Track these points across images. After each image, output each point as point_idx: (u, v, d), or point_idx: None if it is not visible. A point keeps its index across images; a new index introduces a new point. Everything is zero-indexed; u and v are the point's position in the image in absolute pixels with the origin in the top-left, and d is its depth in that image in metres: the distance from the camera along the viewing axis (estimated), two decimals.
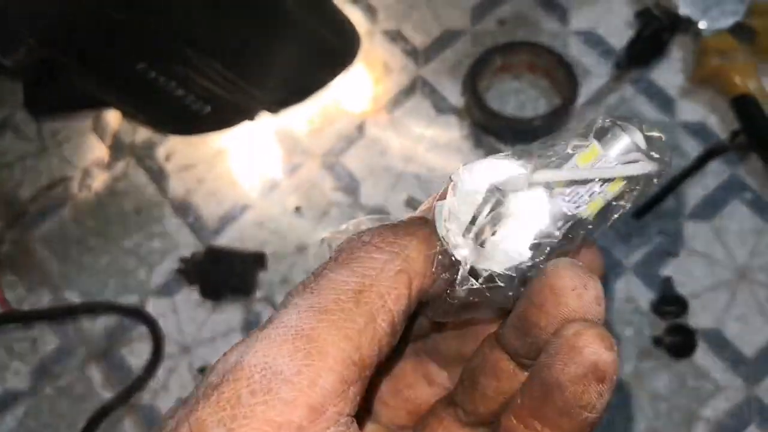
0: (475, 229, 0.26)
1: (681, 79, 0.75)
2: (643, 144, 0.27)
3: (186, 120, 0.71)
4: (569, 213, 0.26)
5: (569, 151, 0.27)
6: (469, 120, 0.75)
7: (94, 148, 0.81)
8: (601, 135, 0.26)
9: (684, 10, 0.75)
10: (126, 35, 0.54)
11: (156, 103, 0.67)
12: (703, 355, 0.64)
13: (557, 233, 0.26)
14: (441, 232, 0.26)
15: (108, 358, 0.73)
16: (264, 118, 0.74)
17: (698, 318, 0.66)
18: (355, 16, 0.82)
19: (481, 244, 0.26)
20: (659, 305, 0.66)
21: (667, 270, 0.67)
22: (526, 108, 0.76)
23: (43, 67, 0.71)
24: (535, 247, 0.26)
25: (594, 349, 0.24)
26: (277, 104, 0.76)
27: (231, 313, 0.72)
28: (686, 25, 0.75)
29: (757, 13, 0.74)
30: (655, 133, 0.27)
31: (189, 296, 0.73)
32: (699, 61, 0.73)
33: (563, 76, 0.74)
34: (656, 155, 0.27)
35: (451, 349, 0.31)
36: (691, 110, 0.74)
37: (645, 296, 0.67)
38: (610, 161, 0.26)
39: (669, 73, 0.76)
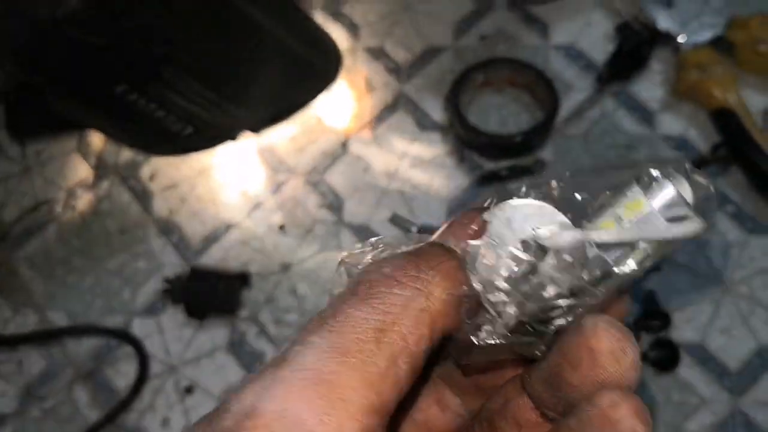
0: (511, 279, 0.25)
1: (662, 93, 0.74)
2: (689, 195, 0.25)
3: (168, 141, 0.70)
4: (612, 270, 0.25)
5: (617, 211, 0.25)
6: (452, 136, 0.74)
7: (78, 169, 0.79)
8: (647, 184, 0.26)
9: (663, 24, 0.75)
10: (104, 58, 0.53)
11: (137, 125, 0.66)
12: (687, 369, 0.63)
13: (598, 292, 0.25)
14: (474, 278, 0.25)
15: (94, 379, 0.71)
16: (246, 137, 0.73)
17: (682, 331, 0.65)
18: (338, 33, 0.81)
19: (517, 296, 0.25)
20: (643, 319, 0.65)
21: (651, 284, 0.66)
22: (508, 123, 0.75)
23: (25, 89, 0.70)
24: (573, 304, 0.25)
25: (630, 425, 0.22)
26: (259, 123, 0.75)
27: (216, 332, 0.71)
28: (666, 38, 0.75)
29: (736, 26, 0.73)
30: (701, 179, 0.26)
31: (174, 316, 0.72)
32: (679, 75, 0.73)
33: (544, 90, 0.73)
34: (701, 206, 0.26)
35: (469, 379, 0.30)
36: (672, 123, 0.73)
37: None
38: (655, 214, 0.25)
39: (650, 86, 0.75)
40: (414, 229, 0.71)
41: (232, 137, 0.72)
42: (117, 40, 0.52)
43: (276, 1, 0.63)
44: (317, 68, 0.75)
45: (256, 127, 0.75)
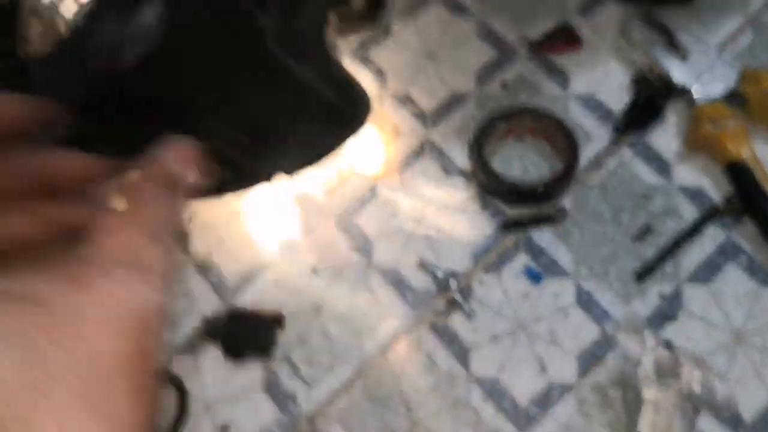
0: None
1: (677, 144, 0.74)
2: None
3: (208, 185, 0.70)
4: None
5: None
6: (476, 182, 0.75)
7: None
8: None
9: (677, 77, 0.75)
10: (151, 107, 0.54)
11: None
12: (702, 418, 0.63)
13: None
14: None
15: None
16: (280, 180, 0.73)
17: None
18: (366, 78, 0.81)
19: None
20: None
21: (667, 333, 0.66)
22: (529, 170, 0.75)
23: (78, 135, 0.70)
24: None
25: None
26: (293, 167, 0.75)
27: (252, 372, 0.71)
28: (680, 91, 0.75)
29: (747, 79, 0.74)
30: None
31: (212, 355, 0.72)
32: (693, 128, 0.73)
33: (564, 140, 0.73)
34: None
35: None
36: (687, 174, 0.73)
37: None
38: None
39: (665, 137, 0.75)
40: (440, 274, 0.71)
41: (268, 180, 0.72)
42: (165, 92, 0.52)
43: (312, 52, 0.63)
44: (348, 114, 0.75)
45: (290, 170, 0.75)
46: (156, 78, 0.48)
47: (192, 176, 0.34)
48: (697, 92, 0.74)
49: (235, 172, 0.69)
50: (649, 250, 0.70)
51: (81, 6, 0.41)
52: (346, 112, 0.74)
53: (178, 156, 0.35)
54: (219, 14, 0.44)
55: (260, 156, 0.67)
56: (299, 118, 0.67)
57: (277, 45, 0.53)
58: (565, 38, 0.81)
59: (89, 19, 0.39)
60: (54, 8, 0.41)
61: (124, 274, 0.27)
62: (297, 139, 0.69)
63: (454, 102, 0.80)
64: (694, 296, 0.68)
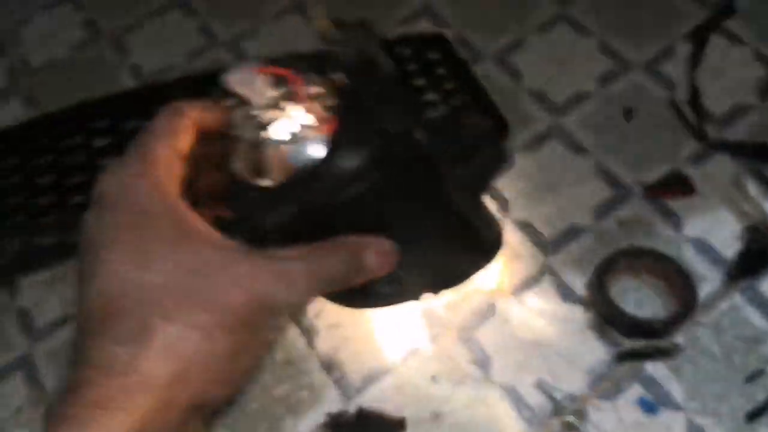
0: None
1: None
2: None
3: (367, 298, 0.75)
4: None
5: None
6: (594, 312, 0.78)
7: None
8: None
9: None
10: (345, 232, 0.59)
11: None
12: None
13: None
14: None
15: None
16: (427, 299, 0.78)
17: None
18: (491, 205, 0.87)
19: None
20: None
21: None
22: (643, 304, 0.79)
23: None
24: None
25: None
26: (438, 288, 0.80)
27: None
28: None
29: None
30: None
31: None
32: None
33: (681, 282, 0.77)
34: None
35: None
36: None
37: None
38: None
39: None
40: (557, 395, 0.74)
41: (416, 299, 0.77)
42: (361, 221, 0.57)
43: (472, 192, 0.70)
44: (488, 246, 0.80)
45: (436, 291, 0.79)
46: (358, 211, 0.54)
47: (371, 269, 0.46)
48: None
49: (395, 288, 0.74)
50: (760, 392, 0.72)
51: (297, 144, 0.46)
52: (486, 243, 0.80)
53: (377, 250, 0.46)
54: (415, 162, 0.50)
55: (420, 276, 0.73)
56: (455, 247, 0.73)
57: (449, 186, 0.59)
58: (678, 185, 0.86)
59: (319, 164, 0.45)
60: (266, 143, 0.46)
61: (276, 272, 0.40)
62: (448, 263, 0.75)
63: (572, 233, 0.85)
64: None
